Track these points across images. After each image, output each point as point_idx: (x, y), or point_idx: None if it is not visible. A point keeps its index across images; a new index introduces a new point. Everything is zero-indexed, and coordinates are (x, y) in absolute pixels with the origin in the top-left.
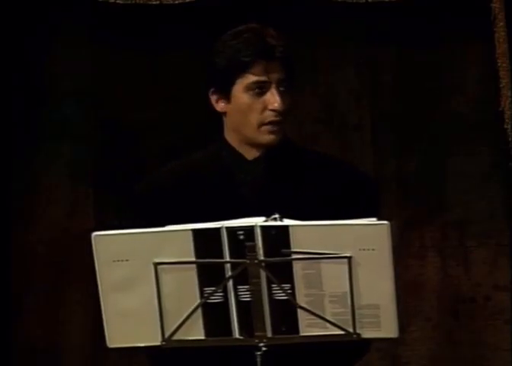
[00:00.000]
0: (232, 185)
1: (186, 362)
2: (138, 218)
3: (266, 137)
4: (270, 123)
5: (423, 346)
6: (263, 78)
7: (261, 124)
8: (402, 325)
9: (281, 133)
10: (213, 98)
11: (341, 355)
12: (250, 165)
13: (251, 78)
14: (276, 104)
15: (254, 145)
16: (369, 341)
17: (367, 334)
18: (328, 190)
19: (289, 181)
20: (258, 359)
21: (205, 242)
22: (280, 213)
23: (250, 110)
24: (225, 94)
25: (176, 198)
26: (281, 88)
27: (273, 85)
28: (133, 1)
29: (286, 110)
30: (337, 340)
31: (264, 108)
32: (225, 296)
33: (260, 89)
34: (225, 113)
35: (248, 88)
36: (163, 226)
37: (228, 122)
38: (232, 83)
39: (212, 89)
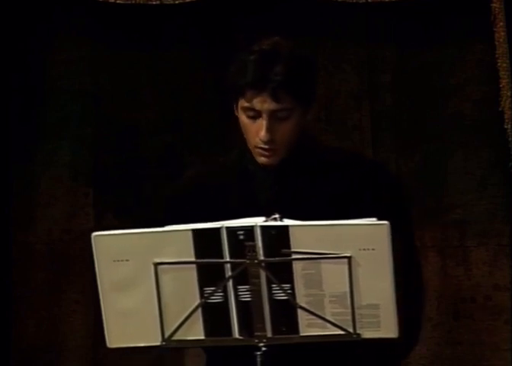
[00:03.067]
0: (251, 190)
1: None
2: (167, 218)
3: (259, 159)
4: (260, 148)
5: (423, 346)
6: (254, 107)
7: (255, 146)
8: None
9: (277, 156)
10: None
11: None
12: (267, 171)
13: (244, 103)
14: (262, 134)
15: None
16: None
17: (367, 334)
18: (347, 190)
19: (306, 186)
20: (258, 359)
21: (205, 242)
22: (298, 218)
23: (247, 130)
24: (235, 106)
25: (198, 203)
26: (280, 114)
27: (264, 115)
28: (133, 1)
29: (281, 139)
30: (336, 340)
31: (256, 133)
32: (225, 296)
33: (254, 114)
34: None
35: (244, 111)
36: None
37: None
38: (235, 100)
39: None
